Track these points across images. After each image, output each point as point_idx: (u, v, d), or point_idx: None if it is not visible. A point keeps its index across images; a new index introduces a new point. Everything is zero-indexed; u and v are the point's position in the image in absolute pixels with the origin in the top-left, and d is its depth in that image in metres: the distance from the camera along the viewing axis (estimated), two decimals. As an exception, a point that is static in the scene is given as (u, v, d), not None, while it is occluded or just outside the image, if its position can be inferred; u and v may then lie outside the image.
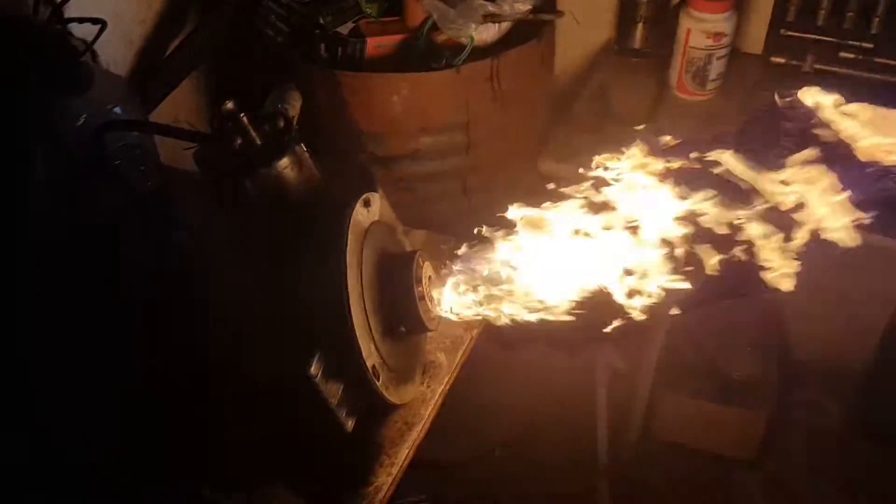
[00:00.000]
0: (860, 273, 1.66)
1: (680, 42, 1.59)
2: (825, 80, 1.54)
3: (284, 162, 0.89)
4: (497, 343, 1.10)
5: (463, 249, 0.90)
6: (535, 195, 0.87)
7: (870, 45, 1.54)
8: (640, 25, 1.71)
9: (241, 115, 0.89)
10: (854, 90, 0.82)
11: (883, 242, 1.29)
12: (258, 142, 0.90)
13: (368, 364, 0.81)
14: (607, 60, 1.80)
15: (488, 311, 0.87)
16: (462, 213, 1.57)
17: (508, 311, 0.86)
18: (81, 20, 1.07)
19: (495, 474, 1.91)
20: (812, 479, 1.91)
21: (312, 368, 0.79)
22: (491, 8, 1.41)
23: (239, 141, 0.89)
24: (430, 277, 0.89)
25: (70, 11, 1.09)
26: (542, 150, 1.56)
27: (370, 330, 0.82)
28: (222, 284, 0.90)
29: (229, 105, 0.89)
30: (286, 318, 0.83)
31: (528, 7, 1.43)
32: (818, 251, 0.77)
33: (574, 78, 1.88)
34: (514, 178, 1.59)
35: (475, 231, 0.89)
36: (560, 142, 1.58)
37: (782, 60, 1.62)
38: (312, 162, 0.93)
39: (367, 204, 0.88)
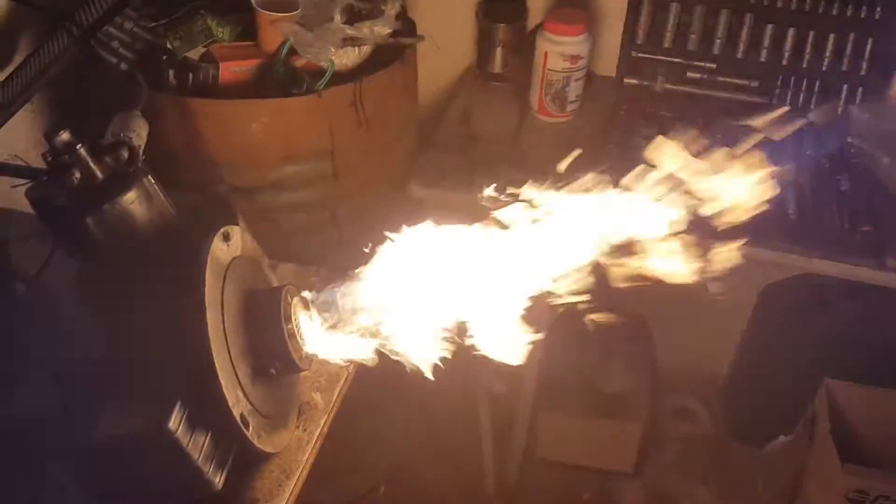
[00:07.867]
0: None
1: (538, 65, 1.61)
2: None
3: (130, 196, 0.81)
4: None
5: (332, 283, 0.84)
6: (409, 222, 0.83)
7: (713, 66, 1.64)
8: (499, 50, 1.72)
9: (79, 146, 0.80)
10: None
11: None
12: (99, 175, 0.82)
13: (236, 413, 0.74)
14: (470, 85, 1.81)
15: (361, 347, 0.82)
16: (332, 245, 1.51)
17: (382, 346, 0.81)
18: None
19: (382, 511, 1.85)
20: (687, 484, 1.97)
21: (171, 422, 0.71)
22: (350, 31, 1.37)
23: (77, 175, 0.80)
24: (300, 313, 0.83)
25: None
26: (411, 176, 1.53)
27: (236, 375, 0.75)
28: (62, 336, 0.80)
29: (64, 135, 0.80)
30: (139, 369, 0.75)
31: (389, 31, 1.40)
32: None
33: (438, 102, 1.87)
34: (385, 206, 1.55)
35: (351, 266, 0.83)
36: (428, 166, 1.56)
37: (635, 81, 1.68)
38: (163, 195, 0.85)
39: (226, 238, 0.81)
